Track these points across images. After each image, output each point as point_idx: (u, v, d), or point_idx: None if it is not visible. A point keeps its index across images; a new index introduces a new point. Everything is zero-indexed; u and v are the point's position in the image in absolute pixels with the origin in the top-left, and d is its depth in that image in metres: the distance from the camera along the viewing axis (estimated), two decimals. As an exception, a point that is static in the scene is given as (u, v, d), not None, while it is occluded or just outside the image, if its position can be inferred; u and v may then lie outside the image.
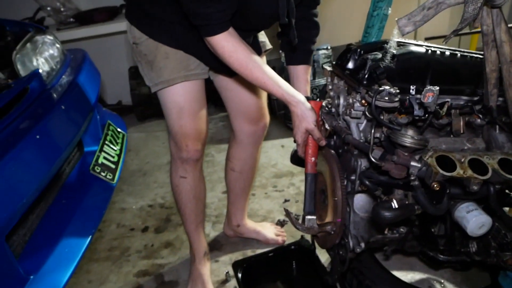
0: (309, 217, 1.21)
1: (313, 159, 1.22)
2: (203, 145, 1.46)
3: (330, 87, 1.26)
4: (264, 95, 1.58)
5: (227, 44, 1.11)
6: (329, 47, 2.70)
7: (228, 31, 1.10)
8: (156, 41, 1.29)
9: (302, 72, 1.36)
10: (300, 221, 1.24)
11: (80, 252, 1.20)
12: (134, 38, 1.31)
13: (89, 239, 1.25)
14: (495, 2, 0.87)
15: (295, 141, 1.23)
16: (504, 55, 0.95)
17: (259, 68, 1.14)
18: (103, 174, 1.44)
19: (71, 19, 2.99)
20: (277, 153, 2.60)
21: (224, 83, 1.50)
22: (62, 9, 2.99)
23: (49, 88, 1.37)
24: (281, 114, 2.96)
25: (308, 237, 1.60)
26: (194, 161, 1.45)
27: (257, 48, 1.43)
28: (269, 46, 1.50)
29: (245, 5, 1.12)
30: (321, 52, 2.68)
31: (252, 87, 1.49)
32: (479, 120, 1.08)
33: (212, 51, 1.16)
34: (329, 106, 1.23)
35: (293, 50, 1.33)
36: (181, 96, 1.35)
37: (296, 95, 1.17)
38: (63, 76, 1.48)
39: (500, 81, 1.00)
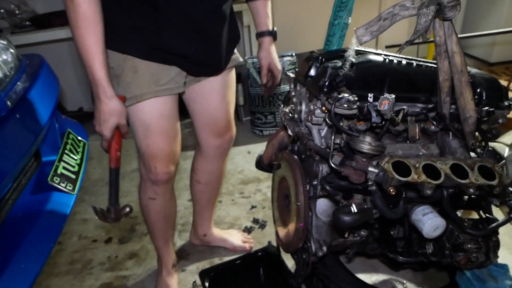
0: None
1: (119, 153, 1.24)
2: (175, 166, 1.38)
3: (293, 93, 1.28)
4: (232, 108, 1.53)
5: None
6: (293, 54, 2.74)
7: None
8: (123, 53, 1.19)
9: (261, 6, 1.40)
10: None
11: (38, 267, 1.14)
12: None
13: (47, 253, 1.19)
14: (446, 15, 0.92)
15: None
16: (455, 65, 1.00)
17: (96, 38, 1.05)
18: (62, 184, 1.39)
19: (27, 22, 2.85)
20: (243, 159, 2.60)
21: (193, 96, 1.44)
22: (17, 11, 2.85)
23: (1, 95, 1.31)
24: (247, 120, 2.97)
25: (275, 243, 1.61)
26: (164, 183, 1.38)
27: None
28: (240, 59, 1.48)
29: None
30: (286, 59, 2.71)
31: (220, 100, 1.46)
32: (433, 127, 1.13)
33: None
34: (292, 112, 1.25)
35: None
36: (148, 114, 1.25)
37: (107, 89, 1.10)
38: (18, 83, 1.41)
39: (452, 90, 1.05)
